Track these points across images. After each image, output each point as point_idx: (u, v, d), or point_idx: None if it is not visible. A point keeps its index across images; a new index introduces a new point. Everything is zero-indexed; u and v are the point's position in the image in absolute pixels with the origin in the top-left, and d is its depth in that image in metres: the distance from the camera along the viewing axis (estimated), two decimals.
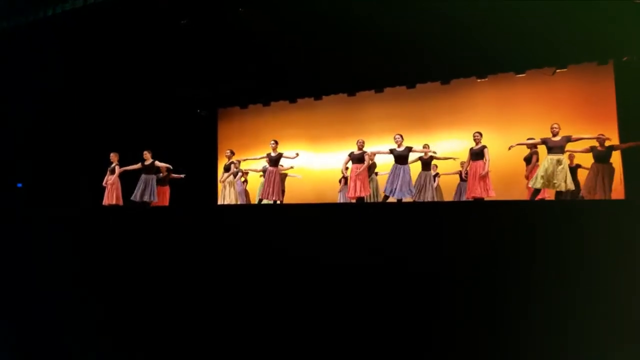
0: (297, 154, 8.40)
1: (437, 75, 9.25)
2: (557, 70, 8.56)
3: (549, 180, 6.47)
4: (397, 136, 7.51)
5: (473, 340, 3.22)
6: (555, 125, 6.68)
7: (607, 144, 7.15)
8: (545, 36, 7.10)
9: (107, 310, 4.46)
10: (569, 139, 6.58)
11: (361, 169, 7.68)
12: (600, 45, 7.54)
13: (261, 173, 9.40)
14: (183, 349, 3.93)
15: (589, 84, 8.74)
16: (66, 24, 7.21)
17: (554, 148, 6.56)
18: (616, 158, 7.36)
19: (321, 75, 9.16)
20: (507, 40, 7.24)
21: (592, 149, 7.22)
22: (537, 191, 6.72)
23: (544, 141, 6.72)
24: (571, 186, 6.50)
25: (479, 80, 9.20)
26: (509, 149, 7.22)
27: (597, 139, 7.12)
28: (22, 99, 8.84)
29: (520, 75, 8.70)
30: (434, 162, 8.41)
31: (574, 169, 7.72)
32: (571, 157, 8.04)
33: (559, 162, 6.49)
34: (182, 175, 9.23)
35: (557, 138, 6.61)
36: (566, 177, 6.42)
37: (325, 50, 8.00)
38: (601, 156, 7.10)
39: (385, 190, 7.45)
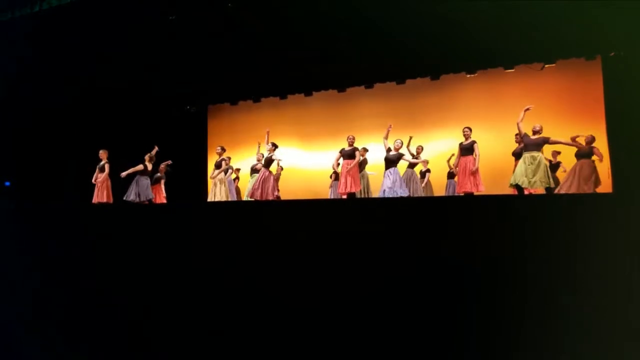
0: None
1: (426, 70, 9.27)
2: (546, 66, 8.61)
3: (526, 177, 6.56)
4: (398, 141, 7.68)
5: (466, 336, 3.25)
6: (537, 126, 6.78)
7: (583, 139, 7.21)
8: (534, 31, 7.16)
9: (99, 310, 4.43)
10: (545, 140, 6.68)
11: (352, 165, 7.72)
12: (587, 41, 7.62)
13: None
14: (177, 348, 3.93)
15: (577, 79, 8.82)
16: (53, 20, 7.13)
17: (529, 145, 6.67)
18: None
19: (311, 71, 9.14)
20: (496, 36, 7.28)
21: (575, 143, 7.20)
22: (520, 189, 6.77)
23: (523, 139, 6.83)
24: (548, 184, 6.53)
25: (468, 76, 9.23)
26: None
27: (575, 143, 7.15)
28: (8, 96, 8.73)
29: (509, 71, 8.76)
30: (425, 157, 8.68)
31: (554, 166, 7.81)
32: (554, 155, 8.12)
33: (533, 158, 6.58)
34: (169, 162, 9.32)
35: (535, 137, 6.72)
36: (543, 174, 6.50)
37: (315, 46, 7.98)
38: (582, 153, 7.15)
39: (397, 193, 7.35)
